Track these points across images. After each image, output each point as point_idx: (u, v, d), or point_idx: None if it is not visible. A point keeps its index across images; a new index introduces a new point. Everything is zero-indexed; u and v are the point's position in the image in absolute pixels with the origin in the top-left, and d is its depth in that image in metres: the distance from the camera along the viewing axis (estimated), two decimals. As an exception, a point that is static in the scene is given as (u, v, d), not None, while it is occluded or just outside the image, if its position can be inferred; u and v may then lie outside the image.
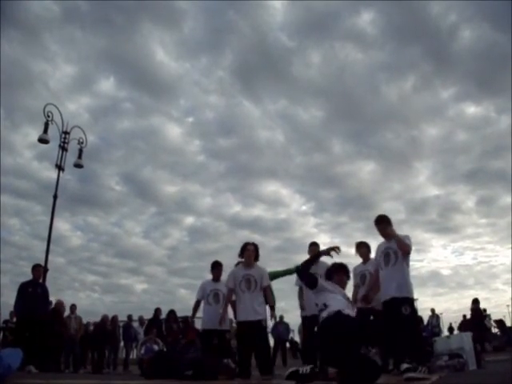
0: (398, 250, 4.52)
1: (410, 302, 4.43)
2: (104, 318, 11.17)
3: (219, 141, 41.32)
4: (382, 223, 4.75)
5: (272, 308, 5.20)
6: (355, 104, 36.25)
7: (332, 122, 40.36)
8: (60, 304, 9.35)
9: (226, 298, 5.31)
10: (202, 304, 5.84)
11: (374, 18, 32.82)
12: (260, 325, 4.92)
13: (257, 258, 5.18)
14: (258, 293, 5.02)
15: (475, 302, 12.36)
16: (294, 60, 36.19)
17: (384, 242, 4.79)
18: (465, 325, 16.87)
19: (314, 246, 5.54)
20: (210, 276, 5.90)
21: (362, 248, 5.45)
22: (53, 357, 8.48)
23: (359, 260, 5.72)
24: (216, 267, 5.83)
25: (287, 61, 35.39)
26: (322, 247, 5.56)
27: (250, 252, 5.06)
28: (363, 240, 5.82)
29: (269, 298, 5.16)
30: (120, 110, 38.70)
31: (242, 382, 4.30)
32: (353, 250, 5.71)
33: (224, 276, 5.84)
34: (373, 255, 5.45)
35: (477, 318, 12.14)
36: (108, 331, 10.99)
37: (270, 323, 5.69)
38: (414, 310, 4.51)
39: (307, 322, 5.35)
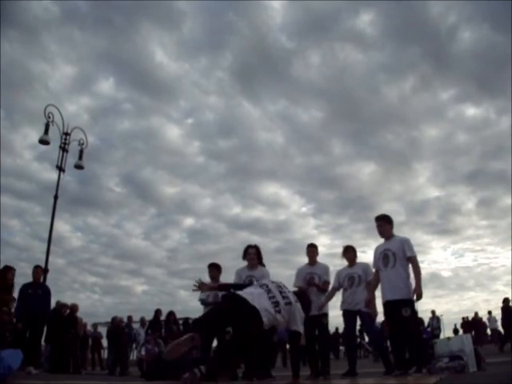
0: (397, 251, 4.53)
1: (410, 303, 4.44)
2: (119, 320, 11.32)
3: (219, 142, 41.44)
4: (381, 220, 4.79)
5: None
6: (355, 105, 36.35)
7: (332, 123, 40.45)
8: (75, 307, 9.66)
9: None
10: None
11: (374, 19, 32.91)
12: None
13: (260, 259, 5.19)
14: None
15: (506, 301, 12.46)
16: (294, 61, 36.28)
17: (382, 243, 4.79)
18: (466, 326, 16.90)
19: (311, 247, 5.51)
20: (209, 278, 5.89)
21: (350, 252, 5.42)
22: (68, 358, 8.94)
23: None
24: (212, 268, 5.80)
25: (287, 61, 35.49)
26: (322, 249, 5.59)
27: (251, 255, 5.11)
28: (363, 241, 5.84)
29: None
30: (120, 111, 38.83)
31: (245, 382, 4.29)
32: None
33: (222, 277, 5.84)
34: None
35: (508, 316, 12.23)
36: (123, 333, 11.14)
37: None
38: (414, 312, 4.51)
39: (307, 322, 5.35)
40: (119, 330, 10.91)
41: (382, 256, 4.65)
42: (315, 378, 4.97)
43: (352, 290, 5.18)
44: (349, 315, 5.22)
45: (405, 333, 4.41)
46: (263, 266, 5.20)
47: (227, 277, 6.09)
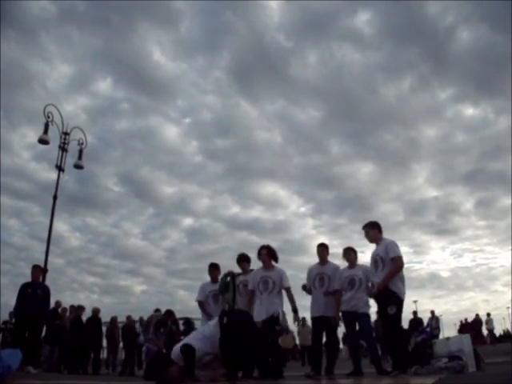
0: (383, 255, 4.56)
1: (396, 301, 4.45)
2: (131, 321, 11.37)
3: (217, 141, 41.57)
4: (366, 227, 4.91)
5: (295, 311, 5.10)
6: (353, 104, 36.49)
7: (330, 123, 40.59)
8: (97, 310, 9.94)
9: (247, 300, 5.22)
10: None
11: (371, 18, 33.03)
12: (272, 326, 4.86)
13: (275, 259, 5.20)
14: (275, 294, 5.01)
15: None
16: (292, 60, 36.42)
17: (375, 248, 4.83)
18: (464, 327, 16.93)
19: (321, 247, 5.45)
20: (208, 277, 5.87)
21: (349, 253, 5.42)
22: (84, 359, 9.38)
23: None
24: (211, 269, 5.77)
25: (284, 61, 35.62)
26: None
27: (263, 256, 5.13)
28: (362, 242, 5.80)
29: (291, 301, 5.08)
30: (117, 111, 38.94)
31: (244, 382, 4.28)
32: None
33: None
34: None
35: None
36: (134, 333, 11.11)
37: (294, 327, 5.70)
38: (399, 311, 4.49)
39: (314, 322, 5.35)
40: (131, 329, 10.91)
41: (373, 261, 4.75)
42: (317, 378, 4.97)
43: (352, 292, 5.16)
44: (346, 317, 5.24)
45: (390, 331, 4.45)
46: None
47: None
